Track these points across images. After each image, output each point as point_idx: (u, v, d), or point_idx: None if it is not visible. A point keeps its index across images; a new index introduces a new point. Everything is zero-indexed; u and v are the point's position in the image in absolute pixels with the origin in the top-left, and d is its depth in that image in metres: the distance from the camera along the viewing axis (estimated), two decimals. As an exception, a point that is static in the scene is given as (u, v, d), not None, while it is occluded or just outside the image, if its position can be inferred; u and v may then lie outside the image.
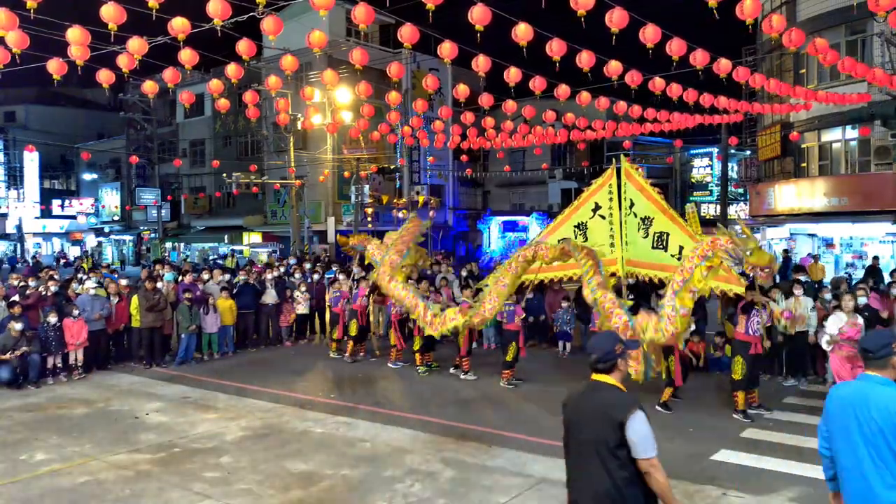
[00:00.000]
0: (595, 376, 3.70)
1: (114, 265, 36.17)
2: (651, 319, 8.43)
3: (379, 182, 32.41)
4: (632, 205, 10.90)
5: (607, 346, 3.69)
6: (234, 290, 13.98)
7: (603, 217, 11.29)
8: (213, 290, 13.77)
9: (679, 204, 32.44)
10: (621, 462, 3.41)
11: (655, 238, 10.52)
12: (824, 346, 9.23)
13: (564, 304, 13.29)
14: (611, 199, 11.32)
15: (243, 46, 10.27)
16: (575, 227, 11.60)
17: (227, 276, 14.99)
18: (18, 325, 10.87)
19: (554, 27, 10.36)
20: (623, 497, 3.41)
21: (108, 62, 10.81)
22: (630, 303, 9.53)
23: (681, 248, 10.10)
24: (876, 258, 18.13)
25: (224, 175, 30.18)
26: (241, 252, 35.30)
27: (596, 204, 11.39)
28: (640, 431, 3.38)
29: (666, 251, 10.23)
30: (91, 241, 49.91)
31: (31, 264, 31.61)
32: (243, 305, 14.08)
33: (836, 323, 9.00)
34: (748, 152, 29.56)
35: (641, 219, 10.72)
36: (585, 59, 10.38)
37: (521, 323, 11.25)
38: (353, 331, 12.96)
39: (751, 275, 8.22)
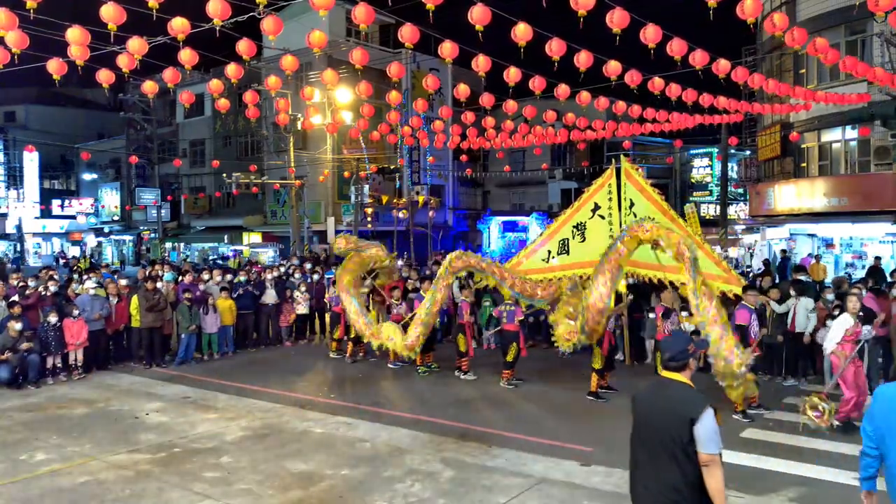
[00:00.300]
0: (666, 374, 3.83)
1: (113, 265, 36.17)
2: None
3: (379, 182, 32.40)
4: (632, 205, 10.90)
5: (681, 345, 3.83)
6: (235, 295, 13.96)
7: (602, 217, 11.29)
8: (213, 291, 13.77)
9: (679, 204, 32.44)
10: (691, 457, 3.55)
11: None
12: (828, 350, 9.00)
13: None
14: (610, 199, 11.33)
15: (243, 46, 10.27)
16: (574, 227, 11.61)
17: (229, 277, 14.98)
18: (18, 325, 10.87)
19: (554, 27, 10.36)
20: (692, 490, 3.56)
21: (108, 62, 10.82)
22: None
23: None
24: (878, 258, 18.12)
25: (224, 175, 30.15)
26: (240, 252, 35.31)
27: (595, 204, 11.40)
28: (708, 428, 3.53)
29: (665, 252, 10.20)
30: (91, 241, 49.90)
31: None
32: (243, 306, 14.10)
33: (843, 325, 8.65)
34: (748, 152, 29.57)
35: (641, 219, 10.71)
36: (584, 60, 10.39)
37: (521, 323, 11.23)
38: (353, 331, 12.92)
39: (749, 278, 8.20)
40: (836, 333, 8.61)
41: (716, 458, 3.53)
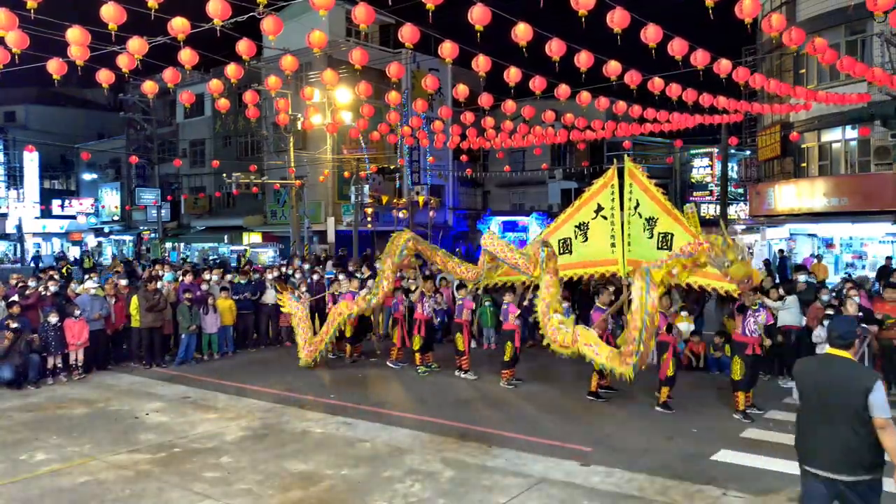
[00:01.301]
0: (833, 351, 4.43)
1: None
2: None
3: (379, 182, 32.40)
4: (637, 205, 10.92)
5: (849, 327, 4.46)
6: (237, 297, 14.00)
7: (605, 218, 11.31)
8: (215, 290, 13.77)
9: (679, 204, 32.44)
10: (864, 421, 4.15)
11: (660, 238, 10.55)
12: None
13: (564, 305, 13.26)
14: (612, 200, 11.34)
15: (243, 46, 10.27)
16: (576, 227, 11.62)
17: (229, 277, 14.97)
18: (15, 325, 10.84)
19: (554, 27, 10.37)
20: (864, 449, 4.16)
21: (108, 62, 10.83)
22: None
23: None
24: (889, 258, 18.04)
25: (224, 175, 30.14)
26: (243, 252, 35.29)
27: (598, 205, 11.43)
28: (881, 396, 4.16)
29: (670, 251, 10.25)
30: (91, 241, 49.90)
31: None
32: (243, 306, 14.12)
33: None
34: (748, 152, 29.59)
35: (647, 219, 10.75)
36: (584, 60, 10.39)
37: (520, 322, 11.20)
38: (350, 331, 12.92)
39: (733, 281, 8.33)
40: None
41: (890, 421, 4.13)
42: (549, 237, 11.89)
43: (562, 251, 11.55)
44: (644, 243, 10.76)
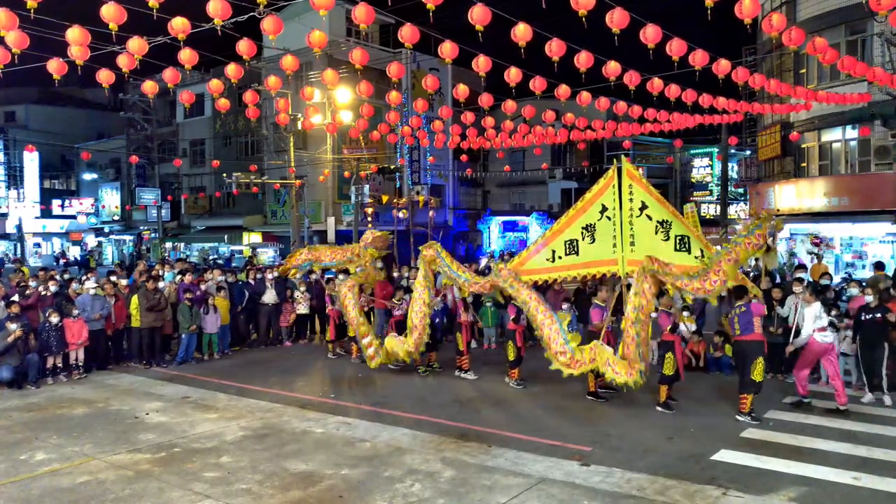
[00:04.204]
0: None
1: (112, 265, 36.14)
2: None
3: (379, 182, 32.40)
4: (644, 206, 10.91)
5: None
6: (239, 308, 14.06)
7: (609, 218, 11.33)
8: (212, 290, 13.75)
9: (679, 204, 32.49)
10: None
11: (678, 241, 10.51)
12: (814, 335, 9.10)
13: (565, 305, 13.23)
14: (614, 200, 11.36)
15: (243, 46, 10.28)
16: (583, 228, 11.63)
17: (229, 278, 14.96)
18: (14, 326, 10.83)
19: (554, 27, 10.38)
20: None
21: (108, 62, 10.84)
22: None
23: (701, 251, 10.11)
24: None
25: (224, 175, 30.15)
26: (241, 252, 35.30)
27: (603, 206, 11.46)
28: None
29: (689, 254, 10.25)
30: (91, 240, 49.91)
31: None
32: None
33: (812, 314, 9.06)
34: (748, 152, 29.59)
35: (659, 222, 10.73)
36: (584, 60, 10.40)
37: (523, 321, 11.20)
38: (351, 331, 12.92)
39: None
40: (809, 325, 9.02)
41: None
42: (553, 239, 11.91)
43: (568, 252, 11.56)
44: (658, 247, 10.72)
